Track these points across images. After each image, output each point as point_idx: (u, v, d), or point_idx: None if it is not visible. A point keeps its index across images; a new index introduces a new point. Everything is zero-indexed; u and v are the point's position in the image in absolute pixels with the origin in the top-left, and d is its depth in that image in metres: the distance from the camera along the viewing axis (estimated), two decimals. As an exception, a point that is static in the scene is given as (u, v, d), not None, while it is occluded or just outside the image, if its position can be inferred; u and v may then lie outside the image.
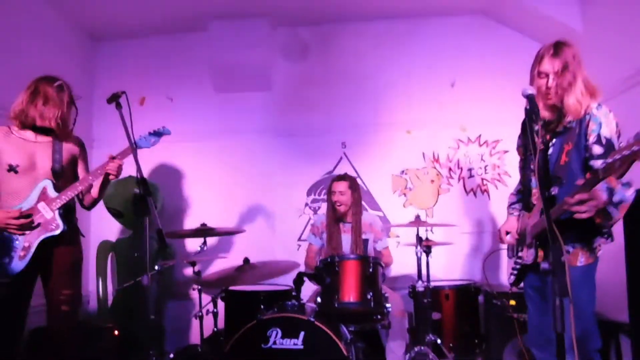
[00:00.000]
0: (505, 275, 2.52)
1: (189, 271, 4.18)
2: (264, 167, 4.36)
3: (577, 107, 2.05)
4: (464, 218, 4.19)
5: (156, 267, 2.78)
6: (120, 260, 4.06)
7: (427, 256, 3.04)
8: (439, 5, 4.21)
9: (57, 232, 2.47)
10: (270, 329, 2.43)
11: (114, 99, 2.46)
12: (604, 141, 2.00)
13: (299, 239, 4.27)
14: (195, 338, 4.08)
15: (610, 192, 1.86)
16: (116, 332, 3.39)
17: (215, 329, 3.10)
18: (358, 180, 4.22)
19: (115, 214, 4.00)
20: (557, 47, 2.11)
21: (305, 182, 4.37)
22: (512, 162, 4.04)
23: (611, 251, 2.32)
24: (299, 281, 2.71)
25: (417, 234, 3.00)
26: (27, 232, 2.44)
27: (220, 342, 3.17)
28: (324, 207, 3.97)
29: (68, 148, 2.66)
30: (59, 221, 2.48)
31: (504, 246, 2.46)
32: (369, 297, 2.66)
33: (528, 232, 2.25)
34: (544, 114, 2.13)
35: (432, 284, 3.20)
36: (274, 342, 2.41)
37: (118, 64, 4.53)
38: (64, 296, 2.53)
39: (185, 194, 4.41)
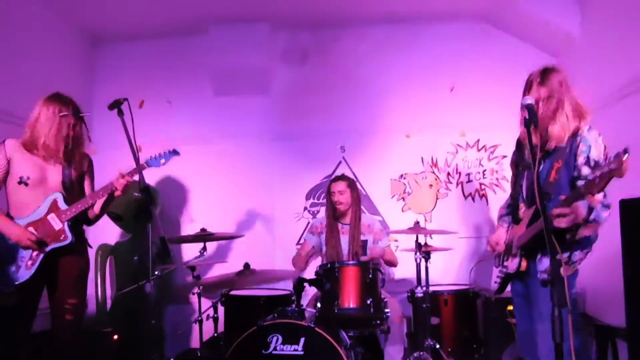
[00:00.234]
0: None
1: (188, 276, 4.21)
2: (263, 171, 4.38)
3: (560, 134, 2.16)
4: (462, 223, 4.21)
5: (156, 272, 2.80)
6: (119, 263, 4.06)
7: (427, 262, 3.06)
8: (438, 10, 4.23)
9: (66, 243, 2.52)
10: (271, 335, 2.45)
11: (116, 105, 2.48)
12: (592, 163, 2.10)
13: (298, 243, 4.29)
14: (194, 342, 4.10)
15: (590, 210, 1.99)
16: (115, 337, 3.40)
17: (215, 334, 3.10)
18: (357, 184, 4.26)
19: (115, 217, 4.01)
20: (544, 75, 2.22)
21: (304, 186, 4.39)
22: (510, 167, 4.07)
23: (608, 258, 2.36)
24: (299, 287, 2.72)
25: (417, 240, 3.02)
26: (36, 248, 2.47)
27: (219, 346, 3.18)
28: (322, 211, 3.99)
29: (76, 165, 2.71)
30: (68, 232, 2.53)
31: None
32: (368, 302, 2.68)
33: (514, 244, 2.31)
34: (533, 138, 2.20)
35: (431, 288, 3.22)
36: (275, 348, 2.43)
37: (118, 67, 4.54)
38: (69, 305, 2.58)
39: (183, 197, 4.42)
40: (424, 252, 3.03)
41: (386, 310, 2.82)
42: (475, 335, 3.45)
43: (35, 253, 2.47)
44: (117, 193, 2.61)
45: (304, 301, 2.87)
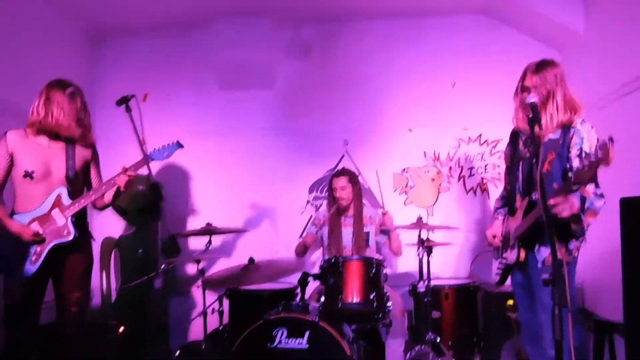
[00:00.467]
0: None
1: (192, 268, 4.26)
2: (266, 164, 4.40)
3: (547, 125, 2.22)
4: (463, 217, 4.25)
5: (162, 266, 2.84)
6: (123, 256, 4.10)
7: (428, 256, 3.10)
8: (442, 4, 4.23)
9: (69, 238, 2.54)
10: (276, 329, 2.49)
11: (124, 101, 2.50)
12: (584, 155, 2.11)
13: (301, 236, 4.32)
14: (195, 335, 4.15)
15: (583, 200, 2.08)
16: (121, 329, 3.45)
17: (220, 327, 3.15)
18: (359, 178, 4.29)
19: (119, 210, 4.04)
20: (540, 66, 2.31)
21: (307, 179, 4.42)
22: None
23: (607, 253, 2.40)
24: (303, 281, 2.77)
25: (419, 236, 3.06)
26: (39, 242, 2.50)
27: (222, 339, 3.24)
28: (325, 204, 4.02)
29: (81, 153, 2.72)
30: (71, 228, 2.55)
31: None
32: (371, 297, 2.73)
33: (511, 235, 2.37)
34: (525, 125, 2.29)
35: (433, 282, 3.26)
36: (280, 342, 2.48)
37: (121, 62, 4.54)
38: (74, 298, 2.63)
39: (187, 191, 4.44)
40: (426, 247, 3.07)
41: (388, 304, 2.87)
42: (476, 329, 3.51)
43: (39, 248, 2.51)
44: (121, 189, 2.64)
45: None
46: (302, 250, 3.74)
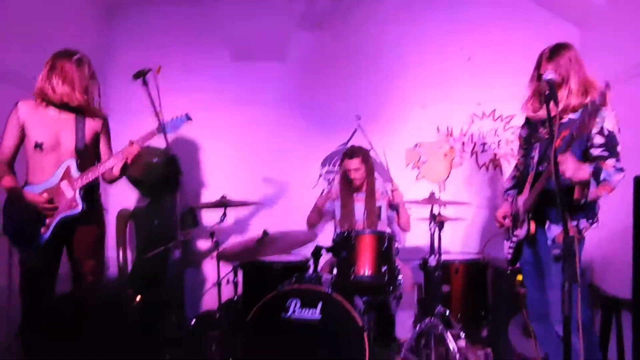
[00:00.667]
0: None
1: (205, 240, 4.34)
2: (279, 138, 4.42)
3: (564, 107, 2.24)
4: (475, 192, 4.26)
5: (180, 238, 2.91)
6: (139, 228, 4.19)
7: (440, 231, 3.14)
8: (457, -23, 4.16)
9: (77, 211, 2.58)
10: (290, 300, 2.57)
11: (140, 75, 2.51)
12: (605, 132, 2.18)
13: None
14: (208, 305, 4.25)
15: (598, 170, 2.08)
16: (138, 299, 3.54)
17: (235, 297, 3.24)
18: (371, 153, 4.31)
19: (134, 182, 4.10)
20: (554, 51, 2.30)
21: (320, 153, 4.44)
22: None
23: (617, 230, 2.41)
24: (316, 254, 2.83)
25: (432, 211, 3.09)
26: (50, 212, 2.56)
27: (236, 309, 3.33)
28: (337, 178, 4.05)
29: (91, 125, 2.73)
30: (79, 201, 2.58)
31: None
32: (383, 270, 2.79)
33: (521, 210, 2.38)
34: (537, 114, 2.36)
35: (443, 257, 3.30)
36: (293, 312, 2.55)
37: (135, 32, 4.52)
38: (88, 267, 2.69)
39: (199, 163, 4.48)
40: (438, 222, 3.10)
41: (399, 277, 2.93)
42: (484, 303, 3.56)
43: (48, 220, 2.56)
44: (128, 161, 2.66)
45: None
46: (316, 217, 3.77)
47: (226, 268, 3.50)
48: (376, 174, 3.93)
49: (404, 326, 3.42)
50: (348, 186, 3.65)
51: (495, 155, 4.29)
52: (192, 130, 4.42)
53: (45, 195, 2.54)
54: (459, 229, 4.08)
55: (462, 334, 3.17)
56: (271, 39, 4.39)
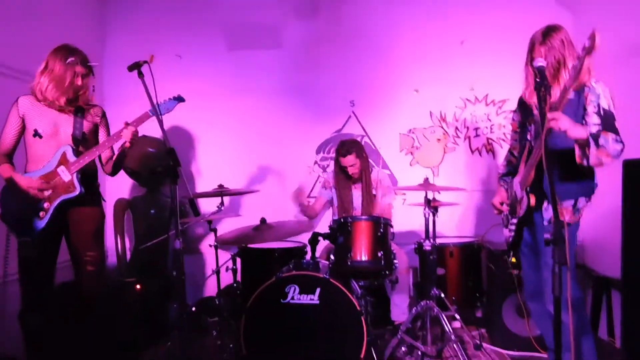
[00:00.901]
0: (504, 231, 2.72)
1: (202, 228, 4.39)
2: (274, 125, 4.43)
3: (561, 93, 2.18)
4: (469, 176, 4.32)
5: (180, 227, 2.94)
6: (136, 217, 4.23)
7: (434, 216, 3.19)
8: (450, -39, 4.15)
9: (75, 194, 2.63)
10: (289, 286, 2.62)
11: (136, 67, 2.52)
12: (602, 112, 2.19)
13: (309, 196, 4.42)
14: (207, 291, 4.33)
15: (597, 134, 2.10)
16: (138, 287, 3.60)
17: (234, 284, 3.29)
18: (366, 139, 4.35)
19: (130, 172, 4.13)
20: (546, 35, 2.28)
21: (315, 140, 4.47)
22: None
23: (608, 212, 2.47)
24: (314, 241, 2.88)
25: (426, 196, 3.13)
26: (46, 195, 2.59)
27: (235, 295, 3.38)
28: (332, 165, 4.09)
29: (89, 116, 2.80)
30: (77, 184, 2.64)
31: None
32: (379, 255, 2.84)
33: (517, 191, 2.42)
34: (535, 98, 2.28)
35: (438, 240, 3.36)
36: (292, 298, 2.61)
37: (129, 21, 4.51)
38: (89, 257, 2.72)
39: (195, 151, 4.51)
40: (432, 207, 3.15)
41: (395, 262, 2.99)
42: (479, 285, 3.63)
43: (46, 204, 2.61)
44: (126, 145, 2.70)
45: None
46: (313, 212, 3.84)
47: (224, 255, 3.56)
48: (371, 161, 3.98)
49: (400, 309, 3.49)
50: (345, 177, 3.71)
51: (488, 139, 4.34)
52: (188, 118, 4.47)
53: (38, 179, 2.59)
54: (453, 213, 4.14)
55: (457, 316, 3.24)
56: (266, 26, 4.39)
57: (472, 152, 4.37)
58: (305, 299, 2.60)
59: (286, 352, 2.60)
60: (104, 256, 2.88)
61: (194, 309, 3.39)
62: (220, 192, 3.20)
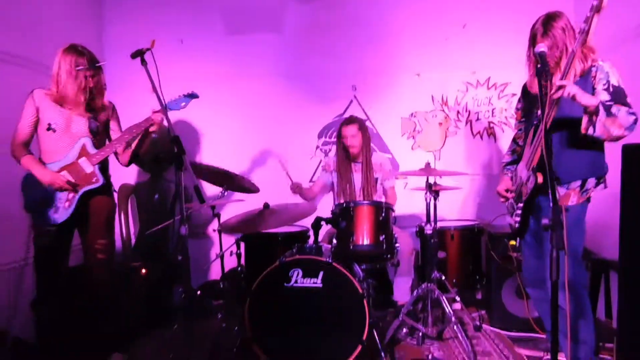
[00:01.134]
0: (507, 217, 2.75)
1: (206, 212, 4.42)
2: (275, 110, 4.45)
3: (567, 60, 2.18)
4: (470, 160, 4.35)
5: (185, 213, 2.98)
6: (140, 203, 4.28)
7: (435, 200, 3.22)
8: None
9: (98, 185, 2.71)
10: (292, 270, 2.67)
11: (139, 54, 2.53)
12: (611, 89, 2.18)
13: (311, 181, 4.45)
14: (210, 275, 4.39)
15: (609, 105, 2.08)
16: (143, 271, 3.66)
17: (238, 268, 3.35)
18: (368, 123, 4.36)
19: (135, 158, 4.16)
20: (546, 24, 2.25)
21: (316, 124, 4.49)
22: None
23: (609, 195, 2.49)
24: (317, 225, 2.91)
25: (427, 181, 3.16)
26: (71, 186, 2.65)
27: (239, 279, 3.44)
28: (334, 149, 4.11)
29: (101, 112, 2.87)
30: (99, 175, 2.71)
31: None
32: (381, 239, 2.88)
33: (523, 174, 2.42)
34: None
35: (439, 224, 3.39)
36: (296, 281, 2.66)
37: (128, 5, 4.49)
38: (100, 245, 2.79)
39: (197, 136, 4.53)
40: (434, 191, 3.18)
41: (397, 245, 3.04)
42: (478, 268, 3.69)
43: (71, 195, 2.67)
44: (153, 128, 2.77)
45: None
46: (311, 194, 3.87)
47: (228, 239, 3.61)
48: (373, 146, 4.00)
49: (402, 291, 3.55)
50: (345, 155, 3.72)
51: (489, 123, 4.35)
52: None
53: (64, 174, 2.65)
54: (454, 196, 4.18)
55: (457, 298, 3.30)
56: (266, 10, 4.38)
57: (474, 136, 4.39)
58: (309, 283, 2.65)
59: (290, 334, 2.65)
60: (113, 245, 2.94)
61: (199, 292, 3.45)
62: (224, 179, 3.23)
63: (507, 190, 2.63)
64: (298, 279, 2.66)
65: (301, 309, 2.64)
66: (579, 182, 2.30)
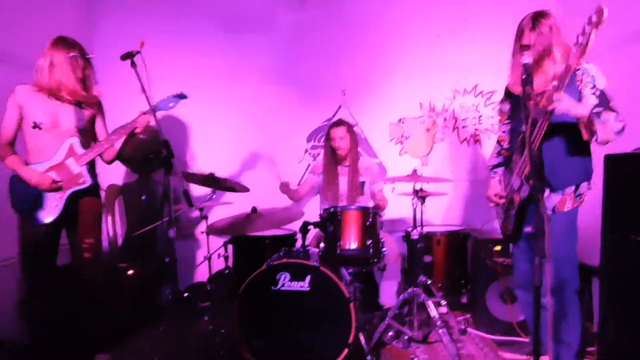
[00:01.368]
0: (494, 223, 2.79)
1: (194, 213, 4.42)
2: (264, 113, 4.46)
3: (544, 81, 2.24)
4: (456, 166, 4.40)
5: (173, 215, 2.98)
6: (128, 203, 4.26)
7: (422, 205, 3.26)
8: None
9: (86, 185, 2.70)
10: (280, 273, 2.68)
11: (129, 56, 2.54)
12: (598, 93, 2.19)
13: (299, 184, 4.47)
14: (199, 277, 4.38)
15: (599, 112, 2.09)
16: (131, 272, 3.64)
17: (226, 271, 3.35)
18: (356, 128, 4.40)
19: (122, 159, 4.13)
20: (535, 21, 2.26)
21: (305, 128, 4.51)
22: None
23: (591, 203, 2.54)
24: (304, 229, 2.93)
25: (414, 187, 3.20)
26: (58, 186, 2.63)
27: (226, 281, 3.45)
28: (322, 153, 4.14)
29: (87, 107, 2.85)
30: (87, 176, 2.70)
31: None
32: (368, 243, 2.92)
33: (514, 181, 2.44)
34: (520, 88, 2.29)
35: (425, 229, 3.44)
36: (283, 285, 2.68)
37: (119, 6, 4.47)
38: (87, 245, 2.79)
39: (186, 138, 4.52)
40: (421, 197, 3.22)
41: (384, 249, 3.07)
42: (464, 272, 3.74)
43: (58, 195, 2.66)
44: (139, 130, 2.77)
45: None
46: (297, 195, 3.89)
47: (215, 240, 3.61)
48: (361, 150, 4.04)
49: (388, 295, 3.59)
50: (333, 157, 3.75)
51: (475, 130, 4.41)
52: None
53: (51, 174, 2.64)
54: (440, 201, 4.22)
55: (443, 302, 3.34)
56: (257, 14, 4.40)
57: (461, 142, 4.44)
58: (296, 286, 2.67)
59: (277, 337, 2.67)
60: (100, 244, 2.93)
61: (186, 294, 3.45)
62: (212, 181, 3.24)
63: (497, 196, 2.63)
64: (285, 282, 2.67)
65: (288, 312, 2.66)
66: (572, 187, 2.33)
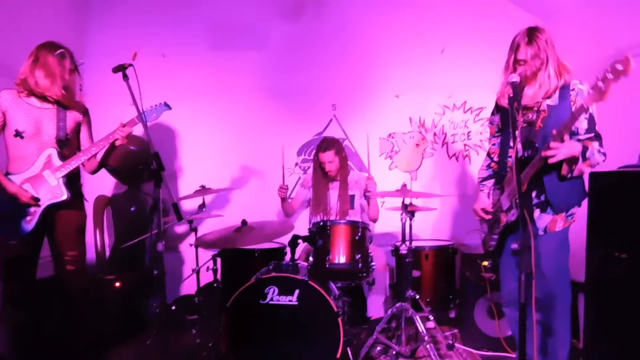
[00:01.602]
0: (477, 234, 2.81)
1: (182, 226, 4.41)
2: (255, 126, 4.48)
3: (537, 94, 2.29)
4: (445, 181, 4.44)
5: (162, 228, 2.97)
6: (116, 214, 4.23)
7: (411, 220, 3.28)
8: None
9: (62, 199, 2.65)
10: (268, 287, 2.68)
11: (120, 69, 2.54)
12: (587, 116, 2.23)
13: (289, 197, 4.47)
14: (186, 289, 4.35)
15: (585, 148, 2.15)
16: (118, 284, 3.61)
17: (215, 284, 3.34)
18: (346, 142, 4.43)
19: (111, 170, 4.13)
20: (531, 35, 2.29)
21: (296, 142, 4.53)
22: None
23: (577, 220, 2.58)
24: (293, 243, 2.94)
25: (403, 202, 3.22)
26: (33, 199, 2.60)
27: (215, 294, 3.43)
28: (312, 167, 4.16)
29: (72, 115, 2.79)
30: (63, 189, 2.66)
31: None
32: (357, 258, 2.93)
33: (503, 201, 2.47)
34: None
35: (414, 243, 3.45)
36: (271, 299, 2.67)
37: (111, 18, 4.49)
38: (69, 257, 2.74)
39: (177, 151, 4.53)
40: (409, 211, 3.24)
41: (372, 263, 3.08)
42: (452, 287, 3.76)
43: (33, 209, 2.62)
44: (119, 142, 2.73)
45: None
46: (290, 210, 3.91)
47: (204, 253, 3.59)
48: (350, 164, 4.06)
49: (377, 309, 3.59)
50: (322, 176, 3.78)
51: (464, 146, 4.46)
52: (170, 117, 4.41)
53: (28, 189, 2.59)
54: (429, 216, 4.25)
55: (431, 317, 3.35)
56: (248, 27, 4.43)
57: (450, 157, 4.49)
58: (284, 300, 2.66)
59: (265, 351, 2.66)
60: (84, 256, 2.89)
61: (174, 307, 3.43)
62: (201, 192, 3.24)
63: (483, 210, 2.63)
64: (274, 296, 2.67)
65: (277, 326, 2.66)
66: (564, 213, 2.35)
